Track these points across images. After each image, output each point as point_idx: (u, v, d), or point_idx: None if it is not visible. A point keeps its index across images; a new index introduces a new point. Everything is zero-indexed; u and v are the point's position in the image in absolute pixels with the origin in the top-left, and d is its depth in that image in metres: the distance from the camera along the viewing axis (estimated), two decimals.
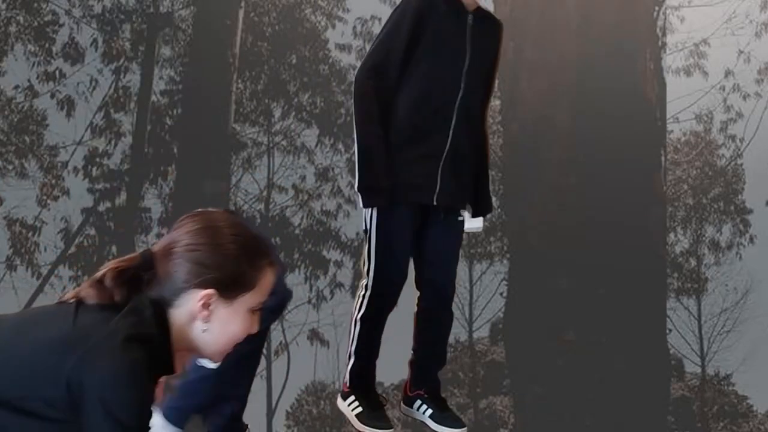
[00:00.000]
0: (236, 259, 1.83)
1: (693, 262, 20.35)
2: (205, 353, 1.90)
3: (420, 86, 2.87)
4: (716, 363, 20.46)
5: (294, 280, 16.40)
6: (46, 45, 16.55)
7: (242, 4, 17.11)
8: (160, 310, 1.83)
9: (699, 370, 20.43)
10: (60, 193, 16.65)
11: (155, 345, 1.78)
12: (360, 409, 3.01)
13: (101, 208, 17.09)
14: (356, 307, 3.03)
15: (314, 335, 17.34)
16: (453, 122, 2.89)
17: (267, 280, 1.89)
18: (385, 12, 18.15)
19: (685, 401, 20.08)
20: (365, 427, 2.97)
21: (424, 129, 2.87)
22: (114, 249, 16.82)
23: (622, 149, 13.04)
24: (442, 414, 3.08)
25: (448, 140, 2.89)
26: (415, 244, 3.00)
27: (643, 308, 13.02)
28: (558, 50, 13.41)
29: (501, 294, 18.36)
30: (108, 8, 16.95)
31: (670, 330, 16.72)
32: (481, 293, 20.01)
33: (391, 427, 3.02)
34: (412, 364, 3.22)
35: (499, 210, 19.34)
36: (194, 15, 17.37)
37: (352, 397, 3.03)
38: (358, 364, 3.05)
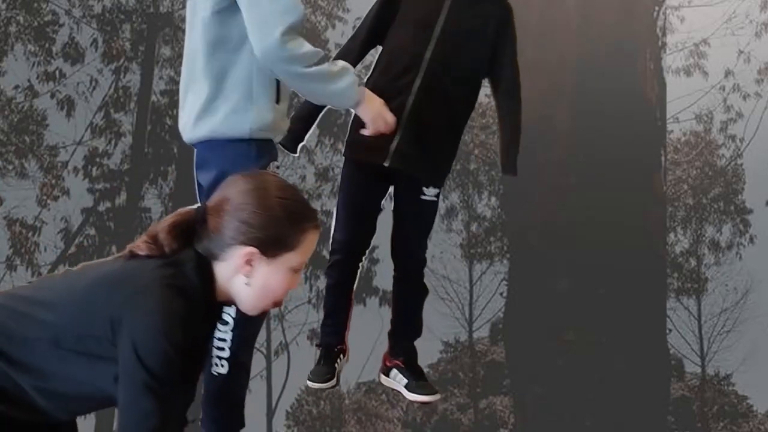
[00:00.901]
0: (280, 221, 1.95)
1: (693, 262, 20.36)
2: (243, 306, 2.00)
3: (386, 55, 3.06)
4: (716, 363, 20.49)
5: None
6: (46, 45, 16.55)
7: None
8: (206, 262, 1.94)
9: (699, 370, 20.45)
10: (60, 193, 16.65)
11: (194, 297, 1.87)
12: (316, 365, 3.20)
13: (101, 208, 17.10)
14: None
15: (314, 335, 17.33)
16: (415, 87, 2.98)
17: (309, 242, 2.00)
18: None
19: (685, 401, 20.09)
20: (308, 381, 3.16)
21: (384, 92, 2.91)
22: (114, 249, 16.82)
23: (622, 149, 13.04)
24: (417, 383, 3.16)
25: (408, 104, 2.99)
26: (379, 212, 3.14)
27: (643, 308, 13.02)
28: (558, 50, 13.40)
29: (501, 294, 18.37)
30: (108, 8, 16.96)
31: (670, 330, 16.74)
32: (481, 293, 20.04)
33: (327, 377, 3.12)
34: (390, 335, 3.30)
35: (499, 210, 19.34)
36: None
37: (319, 352, 3.22)
38: (324, 319, 3.25)
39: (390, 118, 2.80)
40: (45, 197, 16.54)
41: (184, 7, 17.77)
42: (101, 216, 17.09)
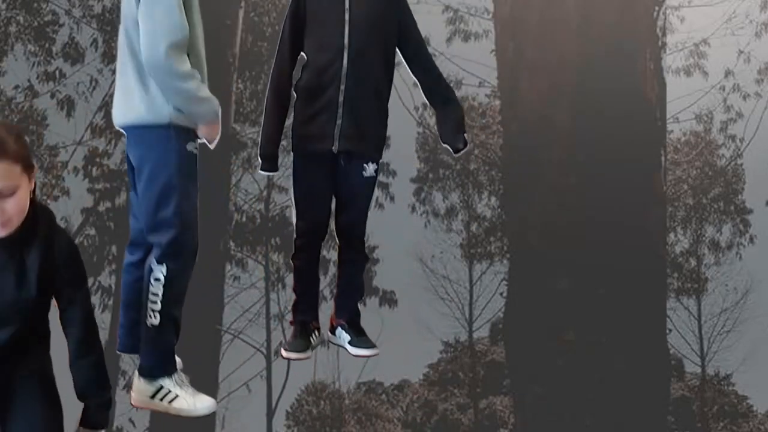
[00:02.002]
0: None
1: (693, 262, 20.35)
2: None
3: (309, 56, 3.40)
4: (716, 363, 20.48)
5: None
6: (46, 45, 16.55)
7: (242, 4, 17.11)
8: None
9: (699, 370, 20.44)
10: (60, 193, 16.65)
11: None
12: (291, 338, 3.58)
13: (101, 208, 17.09)
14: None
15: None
16: (343, 77, 3.33)
17: None
18: None
19: (685, 401, 20.09)
20: (283, 351, 3.56)
21: (317, 89, 3.36)
22: (114, 249, 16.83)
23: (622, 149, 13.04)
24: (359, 339, 3.56)
25: (341, 92, 3.34)
26: (332, 196, 3.49)
27: (643, 308, 13.01)
28: (558, 50, 13.40)
29: (501, 294, 18.37)
30: (108, 8, 16.95)
31: (670, 330, 16.72)
32: (481, 293, 20.02)
33: (303, 349, 3.52)
34: (335, 298, 3.69)
35: (499, 210, 19.34)
36: None
37: (293, 329, 3.61)
38: (295, 299, 3.61)
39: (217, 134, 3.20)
40: (45, 197, 16.54)
41: None
42: (101, 216, 17.08)
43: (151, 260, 3.10)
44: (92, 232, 17.01)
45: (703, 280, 20.32)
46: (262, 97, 18.16)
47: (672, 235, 19.79)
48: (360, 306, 3.72)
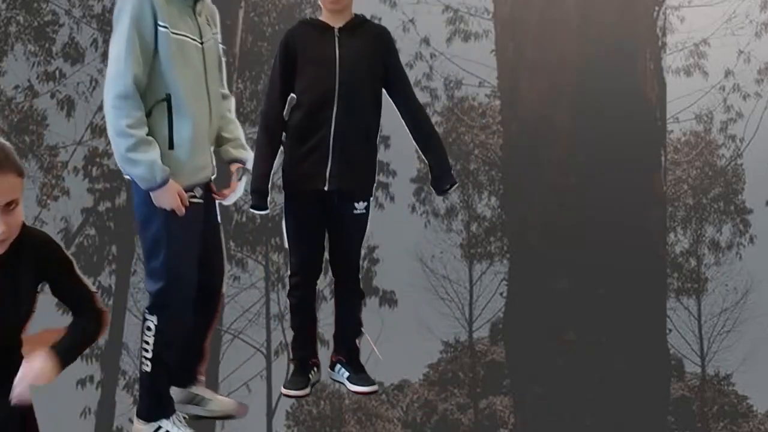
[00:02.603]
0: None
1: (693, 262, 20.37)
2: None
3: (300, 97, 3.43)
4: (716, 363, 20.49)
5: None
6: (46, 45, 16.56)
7: (242, 4, 17.11)
8: None
9: (699, 370, 20.46)
10: (60, 193, 16.65)
11: None
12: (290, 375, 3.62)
13: (101, 208, 17.10)
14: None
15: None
16: (333, 119, 3.38)
17: None
18: (385, 12, 18.14)
19: (685, 401, 20.10)
20: (282, 388, 3.60)
21: (308, 129, 3.40)
22: (114, 249, 16.83)
23: (622, 149, 13.04)
24: (357, 376, 3.59)
25: (331, 134, 3.39)
26: (325, 233, 3.56)
27: (643, 308, 13.01)
28: (558, 50, 13.40)
29: (501, 294, 18.38)
30: (108, 8, 16.94)
31: (670, 330, 16.73)
32: (481, 293, 20.04)
33: (302, 387, 3.56)
34: (334, 335, 3.72)
35: (499, 210, 19.34)
36: None
37: (292, 365, 3.64)
38: (293, 336, 3.67)
39: (178, 204, 3.03)
40: (45, 197, 16.55)
41: None
42: (101, 216, 17.08)
43: (145, 309, 3.11)
44: (92, 232, 17.02)
45: (703, 280, 20.33)
46: (263, 96, 18.18)
47: (672, 235, 19.81)
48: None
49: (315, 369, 3.64)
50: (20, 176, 2.43)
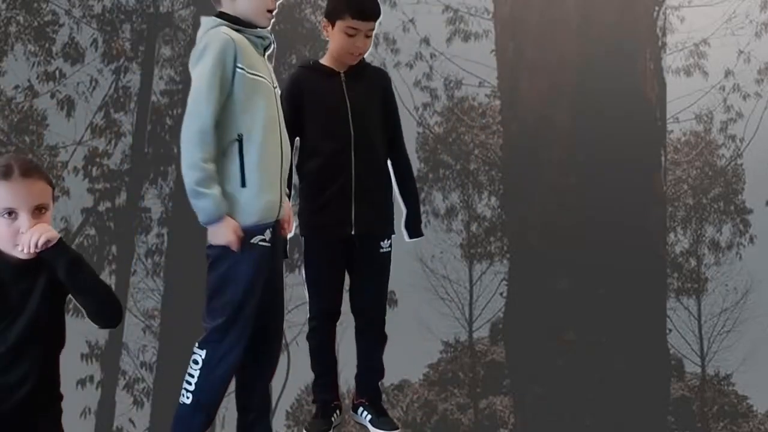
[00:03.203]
0: None
1: (693, 262, 20.35)
2: None
3: (315, 144, 3.47)
4: (716, 363, 20.47)
5: (294, 280, 16.39)
6: (46, 45, 16.55)
7: None
8: None
9: (699, 370, 20.44)
10: (60, 193, 16.63)
11: None
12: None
13: (101, 208, 17.08)
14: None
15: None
16: (353, 162, 3.44)
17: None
18: (385, 12, 18.10)
19: (685, 401, 20.09)
20: (305, 430, 3.61)
21: (327, 176, 3.44)
22: (114, 249, 16.82)
23: (622, 149, 13.05)
24: (379, 419, 3.62)
25: (352, 177, 3.44)
26: (348, 276, 3.58)
27: (643, 308, 13.02)
28: (558, 50, 13.41)
29: (501, 294, 18.36)
30: (108, 8, 16.95)
31: (670, 330, 16.72)
32: (481, 293, 20.02)
33: (325, 429, 3.57)
34: (356, 377, 3.73)
35: (499, 210, 19.34)
36: (194, 15, 17.36)
37: (315, 407, 3.68)
38: (314, 379, 3.69)
39: (233, 240, 3.08)
40: None
41: (184, 7, 17.78)
42: (101, 216, 17.07)
43: (196, 343, 3.16)
44: (92, 232, 17.01)
45: (703, 280, 20.32)
46: None
47: (672, 235, 19.80)
48: None
49: (337, 411, 3.67)
50: (50, 185, 2.67)
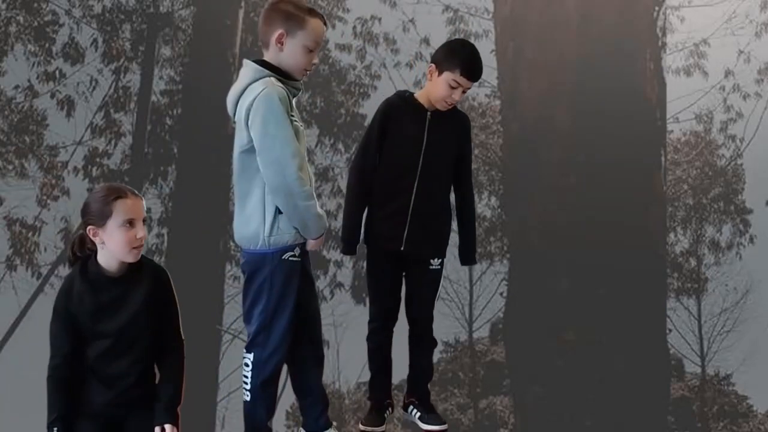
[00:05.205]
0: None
1: (693, 262, 20.36)
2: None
3: (387, 163, 3.88)
4: (716, 363, 20.48)
5: None
6: (46, 45, 16.56)
7: (242, 4, 17.12)
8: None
9: (699, 370, 20.44)
10: (60, 193, 16.65)
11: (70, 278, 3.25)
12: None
13: None
14: None
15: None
16: (414, 188, 3.82)
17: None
18: (385, 12, 18.14)
19: (685, 401, 20.09)
20: (360, 424, 4.10)
21: (388, 196, 3.85)
22: None
23: (622, 149, 13.05)
24: (428, 415, 4.13)
25: (411, 201, 3.83)
26: (403, 287, 3.98)
27: (643, 308, 13.03)
28: (558, 50, 13.41)
29: (501, 294, 18.37)
30: (108, 8, 16.96)
31: (670, 330, 16.74)
32: (481, 293, 20.03)
33: (379, 424, 4.07)
34: (408, 378, 4.23)
35: (499, 210, 19.35)
36: (194, 15, 17.38)
37: (369, 404, 4.19)
38: (370, 378, 4.13)
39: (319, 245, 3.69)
40: (45, 197, 16.55)
41: (184, 7, 17.79)
42: None
43: (244, 348, 3.64)
44: None
45: (703, 280, 20.32)
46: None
47: (672, 235, 19.80)
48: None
49: (390, 409, 4.14)
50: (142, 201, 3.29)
